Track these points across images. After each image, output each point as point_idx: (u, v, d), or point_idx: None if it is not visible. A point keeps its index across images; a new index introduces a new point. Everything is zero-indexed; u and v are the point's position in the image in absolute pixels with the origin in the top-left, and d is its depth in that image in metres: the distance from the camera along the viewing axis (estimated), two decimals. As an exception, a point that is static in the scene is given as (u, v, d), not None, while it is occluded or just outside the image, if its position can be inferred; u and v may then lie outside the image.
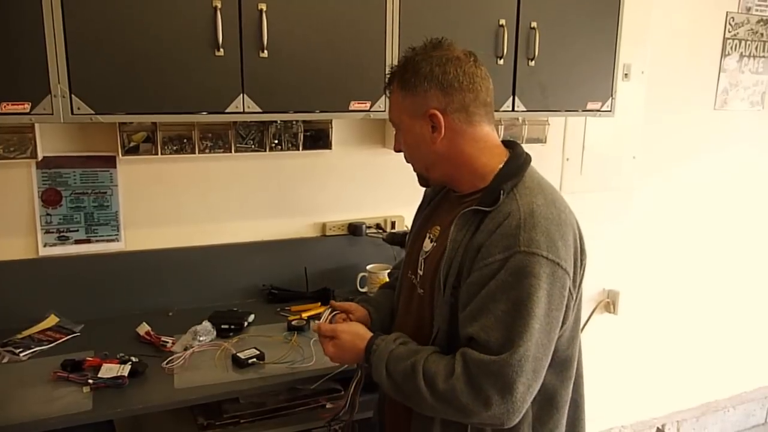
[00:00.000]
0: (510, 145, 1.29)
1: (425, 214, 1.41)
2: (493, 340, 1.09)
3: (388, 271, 2.03)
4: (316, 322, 1.39)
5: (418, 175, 1.32)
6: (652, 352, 3.04)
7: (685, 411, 3.22)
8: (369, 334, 1.29)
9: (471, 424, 1.19)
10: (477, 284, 1.13)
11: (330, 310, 1.42)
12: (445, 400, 1.13)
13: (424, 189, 1.44)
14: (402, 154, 1.32)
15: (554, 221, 1.14)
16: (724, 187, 3.03)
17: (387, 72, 1.34)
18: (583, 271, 1.22)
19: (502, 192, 1.16)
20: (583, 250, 1.21)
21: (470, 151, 1.23)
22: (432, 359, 1.16)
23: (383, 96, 1.77)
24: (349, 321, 1.40)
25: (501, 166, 1.22)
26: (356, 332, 1.30)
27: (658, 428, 2.64)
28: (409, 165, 1.32)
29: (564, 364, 1.23)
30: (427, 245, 1.31)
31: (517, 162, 1.23)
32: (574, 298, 1.20)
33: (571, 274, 1.15)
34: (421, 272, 1.31)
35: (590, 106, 2.12)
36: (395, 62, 1.77)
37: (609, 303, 2.82)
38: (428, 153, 1.24)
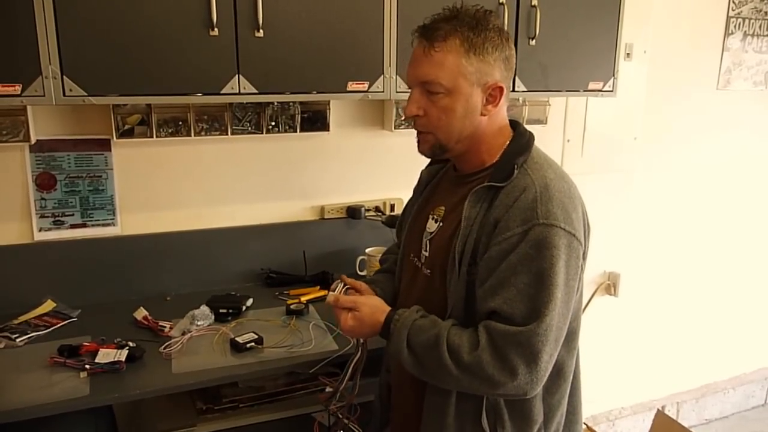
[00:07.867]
0: (511, 124, 1.29)
1: (424, 195, 1.40)
2: (517, 312, 1.11)
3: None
4: (331, 293, 1.33)
5: (436, 146, 1.23)
6: (653, 333, 3.04)
7: (685, 392, 3.23)
8: (388, 307, 1.28)
9: (494, 395, 1.20)
10: (496, 259, 1.14)
11: (342, 284, 1.37)
12: (470, 372, 1.13)
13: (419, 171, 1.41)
14: (401, 128, 1.28)
15: (566, 194, 1.17)
16: (726, 168, 3.01)
17: (430, 20, 1.19)
18: (588, 243, 1.24)
19: (515, 167, 1.17)
20: (588, 224, 1.24)
21: (497, 128, 1.25)
22: (454, 331, 1.17)
23: (381, 76, 1.74)
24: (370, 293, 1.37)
25: (507, 143, 1.24)
26: (375, 305, 1.29)
27: (658, 410, 2.64)
28: (410, 142, 1.28)
29: (571, 335, 1.25)
30: (431, 226, 1.30)
31: (523, 138, 1.25)
32: (583, 269, 1.22)
33: (583, 246, 1.18)
34: (426, 253, 1.30)
35: (592, 86, 2.08)
36: (396, 39, 1.73)
37: (610, 285, 2.82)
38: (470, 124, 1.20)
